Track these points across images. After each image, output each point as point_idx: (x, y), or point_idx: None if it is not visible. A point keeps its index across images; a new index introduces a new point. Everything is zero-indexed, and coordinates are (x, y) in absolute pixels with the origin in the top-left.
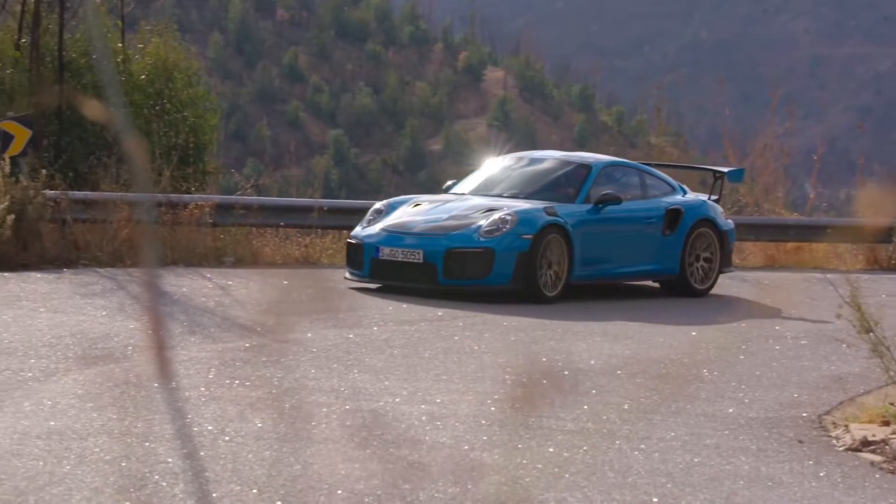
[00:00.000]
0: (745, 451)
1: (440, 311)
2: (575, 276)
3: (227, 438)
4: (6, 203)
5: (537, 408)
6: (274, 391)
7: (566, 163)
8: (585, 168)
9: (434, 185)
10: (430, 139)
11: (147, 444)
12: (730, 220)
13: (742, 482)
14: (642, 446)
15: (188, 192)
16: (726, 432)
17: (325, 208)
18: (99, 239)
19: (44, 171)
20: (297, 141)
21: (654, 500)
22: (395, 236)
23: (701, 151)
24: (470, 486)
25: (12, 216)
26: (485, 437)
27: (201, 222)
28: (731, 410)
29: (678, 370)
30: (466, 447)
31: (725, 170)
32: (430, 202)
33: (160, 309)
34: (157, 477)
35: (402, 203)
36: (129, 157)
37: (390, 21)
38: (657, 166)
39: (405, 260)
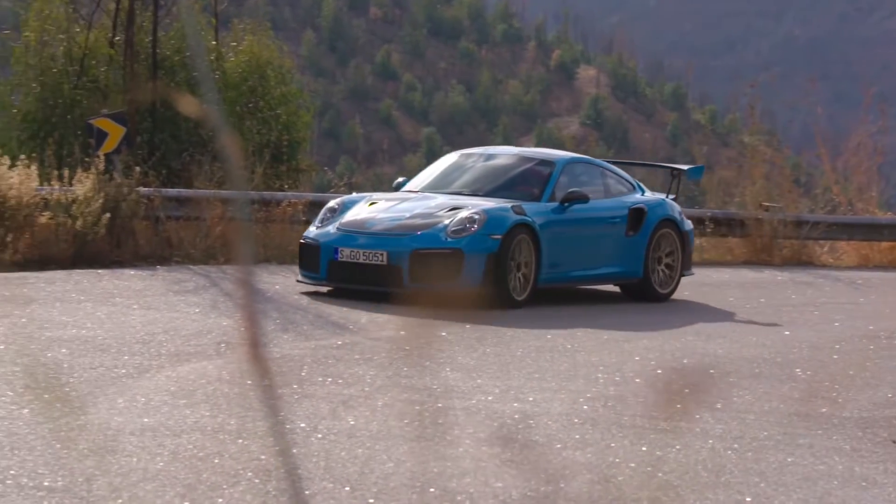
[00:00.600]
0: (838, 450)
1: (534, 309)
2: (542, 280)
3: (319, 436)
4: (100, 200)
5: (630, 406)
6: (367, 389)
7: (526, 159)
8: (548, 165)
9: None
10: (522, 137)
11: (240, 440)
12: (688, 220)
13: (836, 482)
14: (735, 445)
15: (281, 189)
16: (819, 432)
17: None
18: (192, 236)
19: (137, 169)
20: (390, 139)
21: (748, 499)
22: (355, 236)
23: (794, 150)
24: (563, 485)
25: (107, 214)
26: (577, 436)
27: (294, 220)
28: (824, 410)
29: (771, 369)
30: (559, 446)
31: (685, 167)
32: (388, 200)
33: (255, 306)
34: (249, 474)
35: (357, 201)
36: (223, 155)
37: (483, 19)
38: (614, 163)
39: (367, 262)
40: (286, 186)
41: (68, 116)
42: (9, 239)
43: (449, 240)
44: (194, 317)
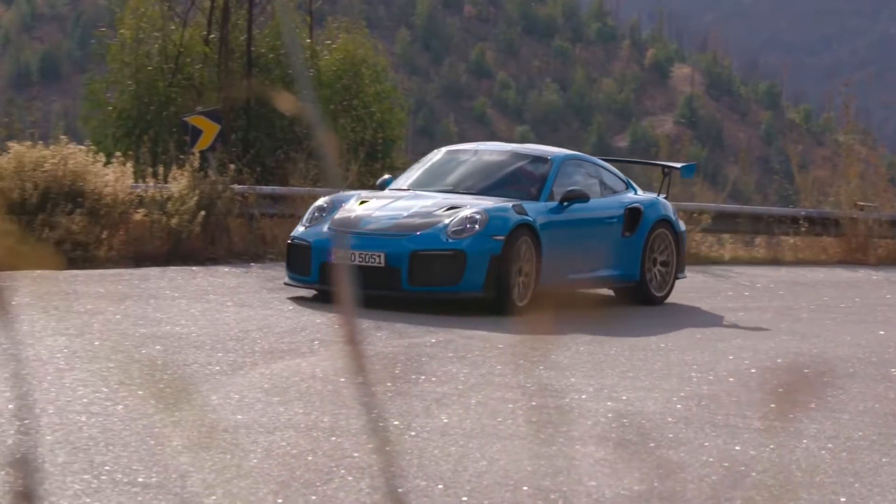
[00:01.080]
0: None
1: (627, 308)
2: (541, 283)
3: (413, 434)
4: (195, 198)
5: (724, 405)
6: (460, 387)
7: (520, 156)
8: (544, 162)
9: None
10: (616, 136)
11: (333, 438)
12: (681, 221)
13: None
14: (829, 445)
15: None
16: None
17: None
18: (286, 233)
19: (232, 166)
20: (484, 137)
21: (842, 499)
22: (350, 236)
23: (890, 149)
24: (656, 484)
25: (201, 211)
26: (671, 435)
27: None
28: None
29: (866, 369)
30: (652, 444)
31: (678, 165)
32: (379, 198)
33: (353, 302)
34: (343, 471)
35: (347, 199)
36: (320, 153)
37: (578, 17)
38: (606, 161)
39: (363, 264)
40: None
41: (163, 114)
42: (104, 236)
43: (450, 241)
44: (288, 314)
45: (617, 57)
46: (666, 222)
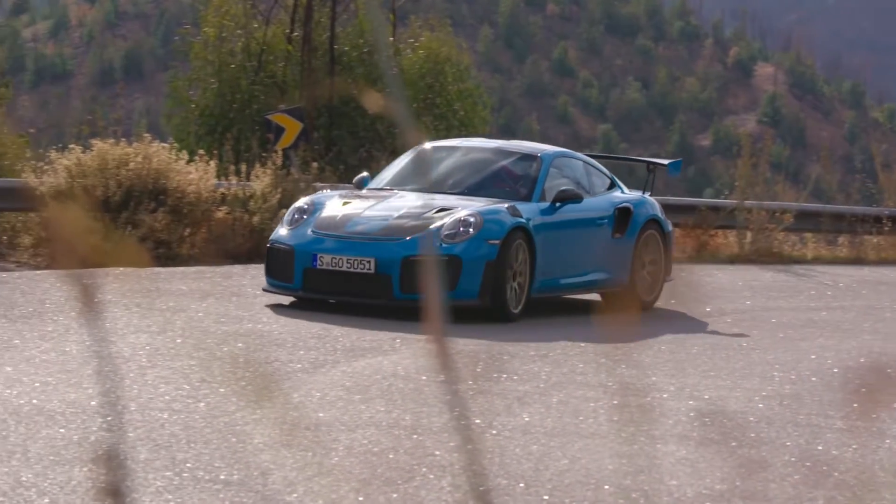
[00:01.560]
0: None
1: (707, 308)
2: (534, 289)
3: (494, 432)
4: (278, 196)
5: (806, 405)
6: (542, 385)
7: (507, 153)
8: (534, 160)
9: (702, 182)
10: (698, 135)
11: (415, 436)
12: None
13: None
14: None
15: None
16: None
17: None
18: None
19: (314, 164)
20: (566, 135)
21: None
22: (336, 240)
23: None
24: (738, 483)
25: (283, 209)
26: (752, 434)
27: None
28: None
29: None
30: (734, 444)
31: (665, 161)
32: (363, 198)
33: (440, 300)
34: (424, 469)
35: (328, 199)
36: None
37: (660, 16)
38: (591, 157)
39: (351, 270)
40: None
41: (246, 112)
42: (186, 233)
43: (444, 245)
44: (370, 311)
45: (700, 55)
46: (655, 222)
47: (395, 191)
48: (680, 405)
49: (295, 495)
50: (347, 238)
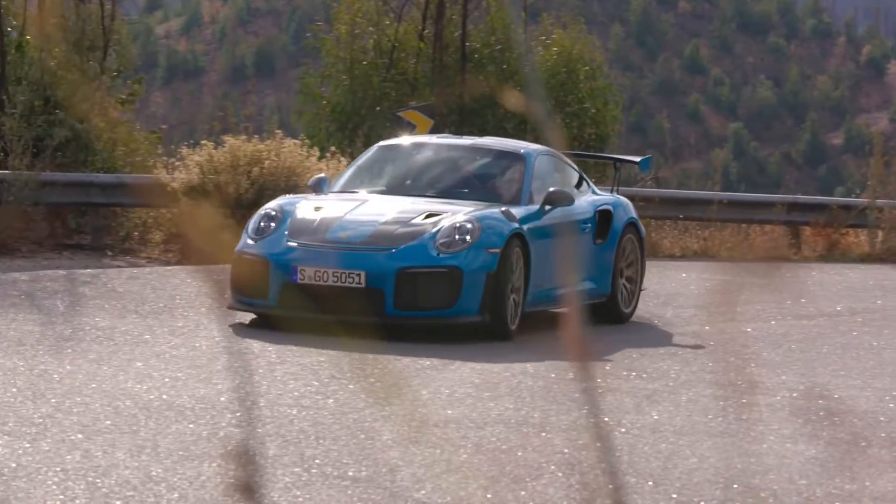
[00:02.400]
0: None
1: (839, 307)
2: (528, 303)
3: (623, 430)
4: None
5: None
6: (671, 384)
7: (485, 150)
8: (517, 158)
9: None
10: (830, 133)
11: (544, 434)
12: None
13: None
14: None
15: None
16: None
17: (725, 201)
18: None
19: None
20: (697, 134)
21: None
22: (321, 251)
23: None
24: (868, 484)
25: None
26: (883, 434)
27: None
28: None
29: None
30: (864, 444)
31: (637, 159)
32: (339, 202)
33: (579, 300)
34: (553, 467)
35: (296, 204)
36: (547, 146)
37: (793, 14)
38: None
39: (338, 284)
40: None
41: (377, 109)
42: None
43: (442, 255)
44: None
45: (832, 54)
46: (633, 226)
47: (367, 193)
48: (809, 404)
49: (423, 492)
50: (331, 247)
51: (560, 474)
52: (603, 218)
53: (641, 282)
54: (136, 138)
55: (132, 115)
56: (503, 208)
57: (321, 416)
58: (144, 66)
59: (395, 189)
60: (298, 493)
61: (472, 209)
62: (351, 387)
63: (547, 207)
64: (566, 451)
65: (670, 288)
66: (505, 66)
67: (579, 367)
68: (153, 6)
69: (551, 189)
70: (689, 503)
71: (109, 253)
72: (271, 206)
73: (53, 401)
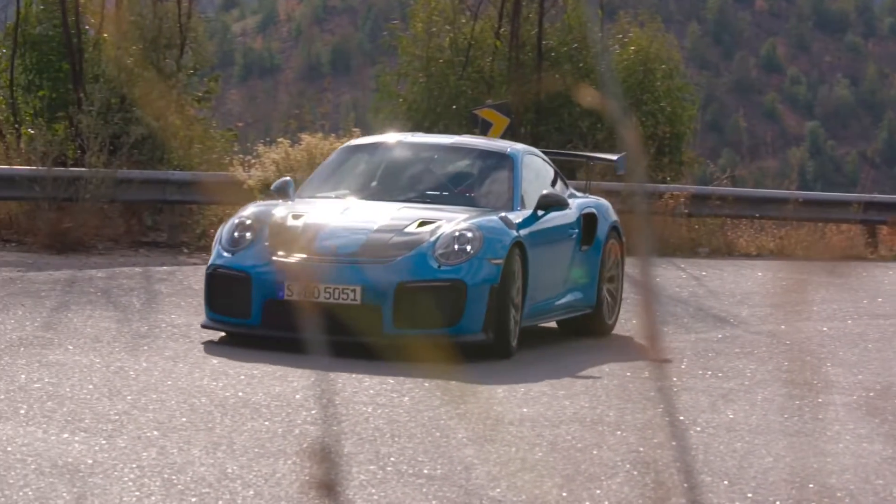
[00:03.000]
0: None
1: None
2: (525, 316)
3: (698, 429)
4: None
5: None
6: (746, 383)
7: (467, 150)
8: (504, 158)
9: None
10: None
11: (619, 432)
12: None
13: None
14: None
15: (663, 181)
16: None
17: (801, 200)
18: None
19: None
20: (774, 132)
21: None
22: (310, 265)
23: None
24: None
25: None
26: None
27: (676, 212)
28: None
29: None
30: None
31: (614, 157)
32: (318, 207)
33: (654, 298)
34: (628, 466)
35: (272, 210)
36: (625, 147)
37: (870, 12)
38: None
39: (330, 301)
40: (668, 179)
41: (453, 107)
42: None
43: (443, 268)
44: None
45: None
46: (616, 231)
47: (348, 198)
48: (886, 404)
49: (498, 490)
50: (322, 260)
51: (635, 473)
52: (588, 222)
53: (622, 291)
54: (212, 136)
55: (208, 112)
56: (501, 214)
57: (396, 413)
58: (221, 63)
59: (376, 193)
60: (373, 490)
61: (467, 215)
62: (426, 384)
63: (540, 212)
64: (641, 449)
65: (746, 287)
66: (581, 65)
67: (655, 365)
68: (230, 4)
69: (545, 192)
70: (765, 502)
71: (185, 250)
72: (245, 214)
73: (129, 398)
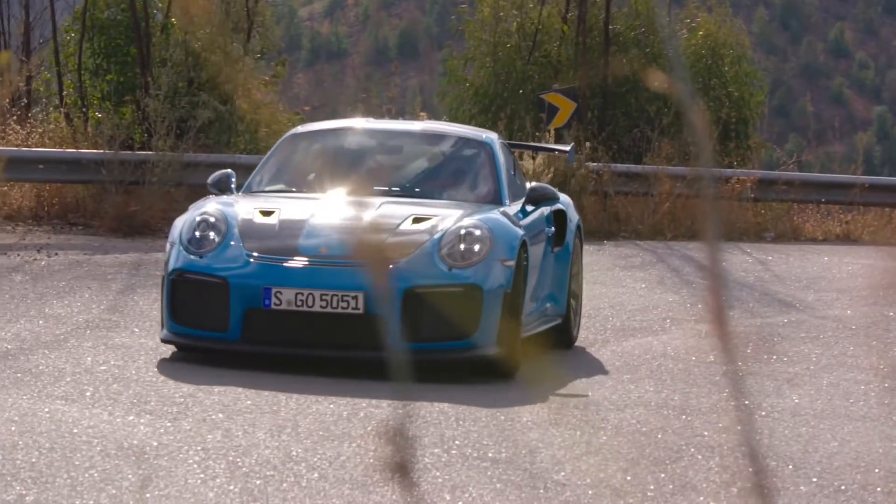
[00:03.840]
0: None
1: None
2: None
3: (763, 413)
4: (550, 175)
5: None
6: (812, 367)
7: (436, 137)
8: (482, 146)
9: None
10: None
11: (684, 416)
12: None
13: None
14: None
15: (729, 166)
16: None
17: (867, 185)
18: (640, 212)
19: (587, 144)
20: (841, 117)
21: None
22: (300, 268)
23: None
24: None
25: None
26: None
27: (742, 197)
28: None
29: None
30: None
31: (566, 148)
32: (285, 202)
33: (722, 283)
34: (692, 450)
35: (235, 205)
36: (693, 132)
37: None
38: None
39: (326, 310)
40: (735, 164)
41: (520, 91)
42: None
43: (455, 270)
44: (640, 292)
45: None
46: (579, 230)
47: (309, 192)
48: None
49: (563, 474)
50: (312, 262)
51: (700, 457)
52: (558, 220)
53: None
54: (279, 120)
55: (275, 96)
56: (501, 209)
57: (461, 396)
58: (288, 48)
59: (344, 187)
60: (438, 473)
61: (461, 211)
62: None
63: (529, 207)
64: (706, 433)
65: (812, 272)
66: (648, 50)
67: (721, 349)
68: None
69: (534, 185)
70: (830, 487)
71: None
72: (207, 210)
73: (194, 380)
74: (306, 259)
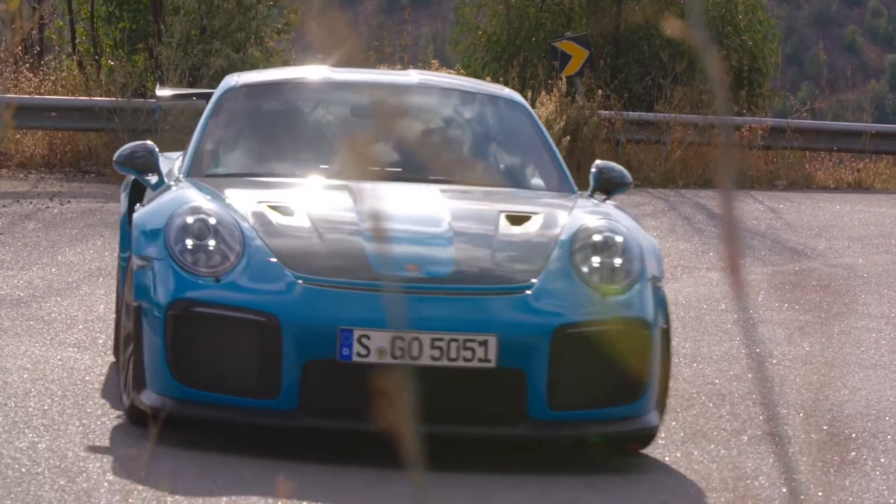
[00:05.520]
0: None
1: None
2: None
3: (774, 361)
4: (562, 122)
5: None
6: (823, 315)
7: (450, 91)
8: (519, 109)
9: None
10: None
11: (694, 364)
12: None
13: None
14: None
15: (739, 115)
16: None
17: (875, 132)
18: (652, 160)
19: (599, 92)
20: (854, 65)
21: None
22: (390, 298)
23: None
24: None
25: (567, 136)
26: None
27: (753, 145)
28: None
29: None
30: None
31: None
32: (299, 195)
33: (737, 230)
34: (703, 398)
35: (228, 203)
36: (709, 79)
37: None
38: None
39: (438, 363)
40: (744, 112)
41: (532, 39)
42: None
43: (610, 298)
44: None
45: None
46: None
47: (313, 176)
48: None
49: None
50: (409, 287)
51: (711, 405)
52: None
53: None
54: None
55: (288, 44)
56: (604, 198)
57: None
58: None
59: (349, 168)
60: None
61: (551, 204)
62: None
63: (604, 197)
64: (717, 381)
65: (823, 220)
66: None
67: (733, 296)
68: None
69: (600, 163)
70: (840, 435)
71: None
72: (203, 208)
73: None
74: (394, 283)
